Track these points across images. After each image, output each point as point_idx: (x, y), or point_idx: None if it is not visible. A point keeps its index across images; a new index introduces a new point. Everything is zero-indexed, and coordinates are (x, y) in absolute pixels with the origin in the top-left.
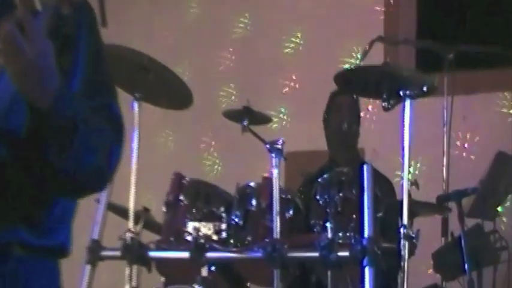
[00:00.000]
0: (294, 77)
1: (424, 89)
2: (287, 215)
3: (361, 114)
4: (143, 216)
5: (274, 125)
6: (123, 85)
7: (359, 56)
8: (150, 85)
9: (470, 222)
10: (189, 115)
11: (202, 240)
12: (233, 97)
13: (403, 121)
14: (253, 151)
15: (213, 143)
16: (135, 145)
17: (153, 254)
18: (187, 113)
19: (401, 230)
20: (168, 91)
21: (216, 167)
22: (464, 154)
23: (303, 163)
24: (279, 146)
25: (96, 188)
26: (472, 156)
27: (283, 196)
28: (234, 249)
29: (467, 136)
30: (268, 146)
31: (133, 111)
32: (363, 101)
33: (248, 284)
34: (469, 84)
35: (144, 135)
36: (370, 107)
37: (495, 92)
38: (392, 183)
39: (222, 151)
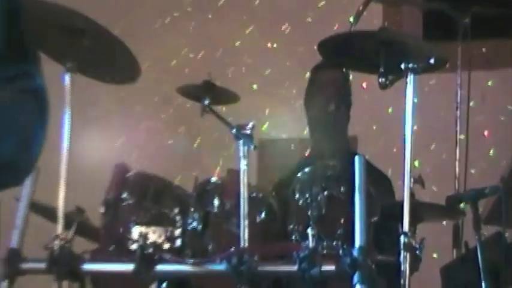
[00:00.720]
0: (269, 45)
1: (432, 61)
2: (258, 219)
3: (352, 93)
4: (76, 218)
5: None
6: (50, 52)
7: (351, 19)
8: (86, 52)
9: (488, 230)
10: (135, 91)
11: (150, 250)
12: (192, 69)
13: (405, 102)
14: (215, 137)
15: (165, 126)
16: (66, 128)
17: (88, 266)
18: (133, 88)
19: (402, 238)
20: (109, 60)
21: (168, 157)
22: (482, 144)
23: (278, 153)
24: (248, 132)
25: (13, 182)
26: (492, 147)
27: (253, 195)
28: (191, 261)
29: (487, 121)
30: (234, 131)
31: (64, 84)
32: (354, 76)
33: None
34: (488, 56)
35: (77, 115)
36: (364, 84)
37: None
38: (391, 180)
39: (176, 137)
